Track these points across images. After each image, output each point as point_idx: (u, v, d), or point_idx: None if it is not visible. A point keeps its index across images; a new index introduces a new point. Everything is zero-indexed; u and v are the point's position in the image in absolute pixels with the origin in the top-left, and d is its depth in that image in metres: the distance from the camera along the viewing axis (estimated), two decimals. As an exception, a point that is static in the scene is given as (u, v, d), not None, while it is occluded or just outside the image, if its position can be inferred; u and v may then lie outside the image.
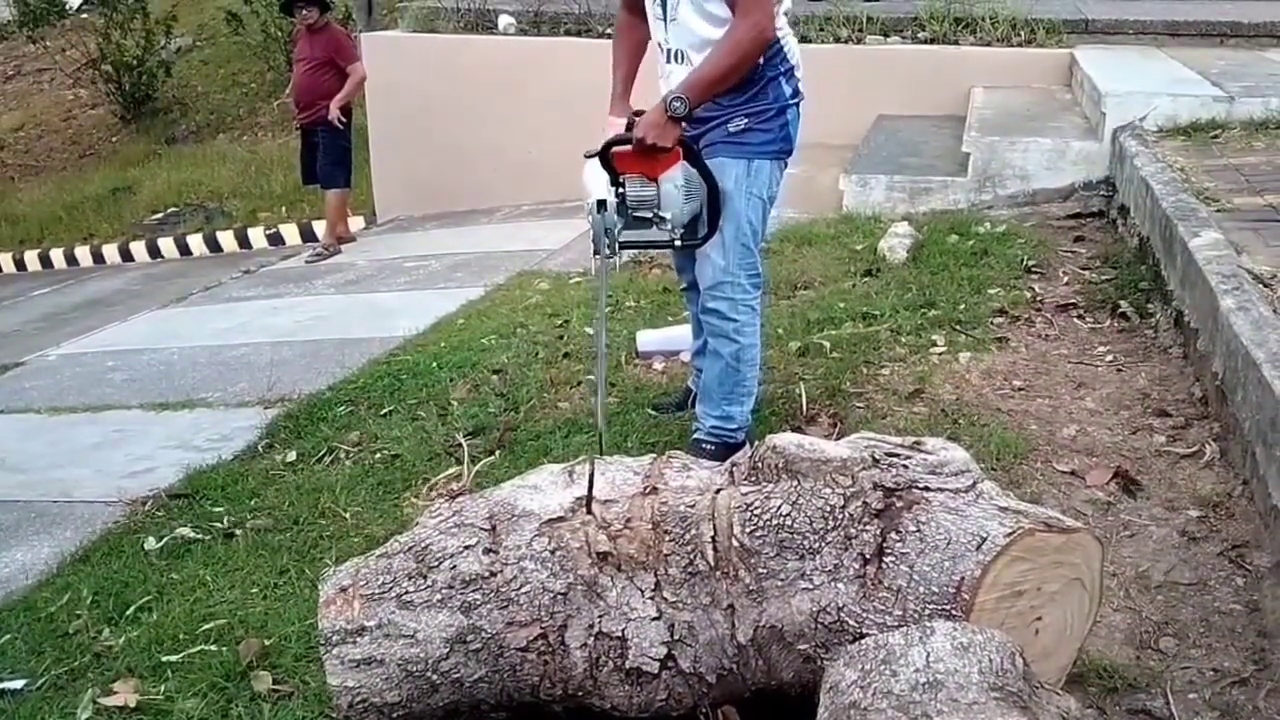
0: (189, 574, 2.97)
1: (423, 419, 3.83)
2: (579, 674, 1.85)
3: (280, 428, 3.99)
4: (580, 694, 1.87)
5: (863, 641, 1.63)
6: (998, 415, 3.30)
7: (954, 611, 1.69)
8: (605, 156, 2.67)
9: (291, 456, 3.71)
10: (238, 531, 3.19)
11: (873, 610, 1.75)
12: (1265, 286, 3.12)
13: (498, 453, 3.42)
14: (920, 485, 1.82)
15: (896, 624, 1.73)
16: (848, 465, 1.85)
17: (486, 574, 1.86)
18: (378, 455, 3.59)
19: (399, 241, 7.68)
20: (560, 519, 1.92)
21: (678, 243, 2.80)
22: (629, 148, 2.67)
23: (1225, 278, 3.12)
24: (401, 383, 4.22)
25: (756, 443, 2.00)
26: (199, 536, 3.20)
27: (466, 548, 1.89)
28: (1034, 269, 4.47)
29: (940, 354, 3.76)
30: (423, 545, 1.91)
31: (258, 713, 2.31)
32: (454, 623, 1.83)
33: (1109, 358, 3.68)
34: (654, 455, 2.11)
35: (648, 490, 1.98)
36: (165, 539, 3.19)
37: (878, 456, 1.87)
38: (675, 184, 2.70)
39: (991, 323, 3.99)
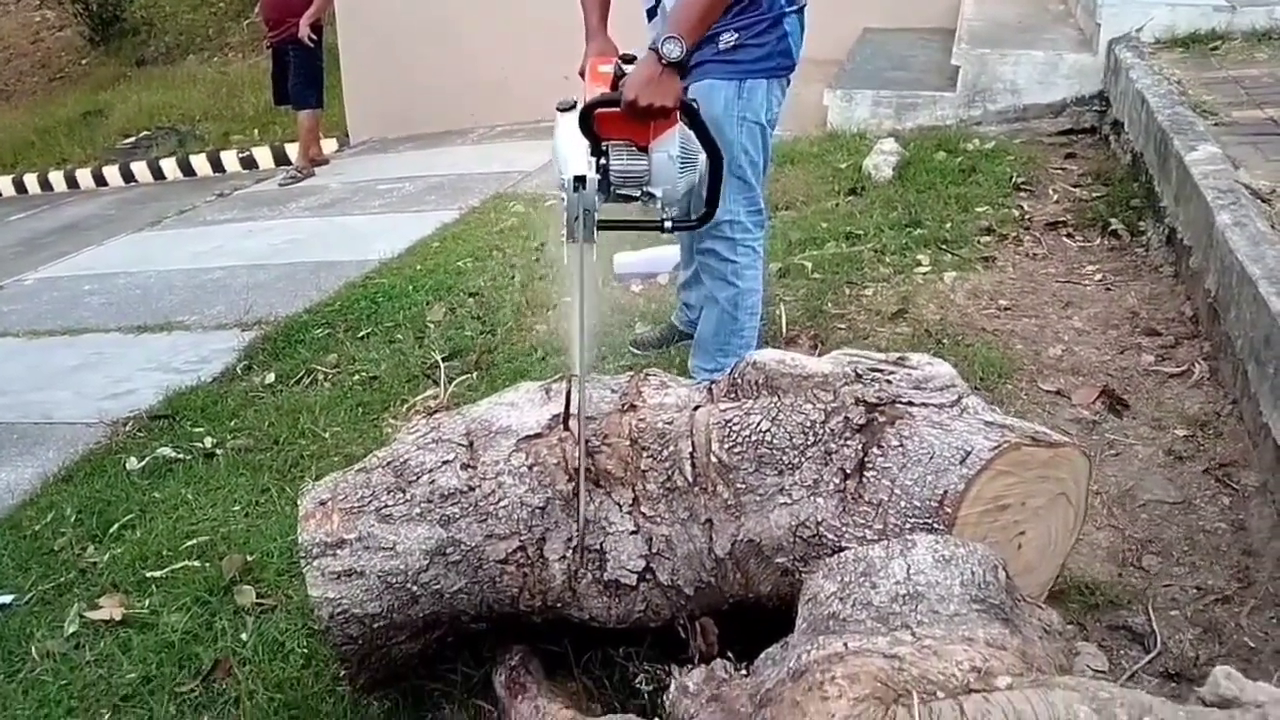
0: (171, 493, 2.97)
1: (400, 341, 3.78)
2: (558, 586, 1.82)
3: (258, 350, 3.95)
4: (559, 605, 1.85)
5: (842, 554, 1.60)
6: (982, 335, 3.26)
7: (936, 525, 1.66)
8: (586, 121, 2.05)
9: (270, 378, 3.67)
10: (218, 451, 3.18)
11: (852, 524, 1.72)
12: (1263, 202, 3.06)
13: (474, 374, 3.37)
14: (904, 400, 1.78)
15: (876, 538, 1.69)
16: (829, 380, 1.80)
17: (465, 489, 1.82)
18: (355, 377, 3.55)
19: (373, 164, 7.55)
20: (537, 435, 1.88)
21: (667, 224, 2.20)
22: (616, 109, 2.06)
23: (1222, 193, 3.06)
24: (378, 305, 4.17)
25: (737, 360, 1.95)
26: (180, 456, 3.19)
27: (444, 463, 1.85)
28: (1023, 186, 4.40)
29: (925, 274, 3.71)
30: (401, 460, 1.86)
31: (241, 625, 2.32)
32: (433, 536, 1.79)
33: (1098, 276, 3.63)
34: (632, 373, 2.06)
35: (625, 408, 1.93)
36: (147, 459, 3.19)
37: (860, 372, 1.82)
38: (670, 153, 2.12)
39: (978, 242, 3.93)
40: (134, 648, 2.29)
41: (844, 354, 1.96)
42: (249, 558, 2.54)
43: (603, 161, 2.07)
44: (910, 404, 1.78)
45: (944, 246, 3.89)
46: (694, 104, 2.14)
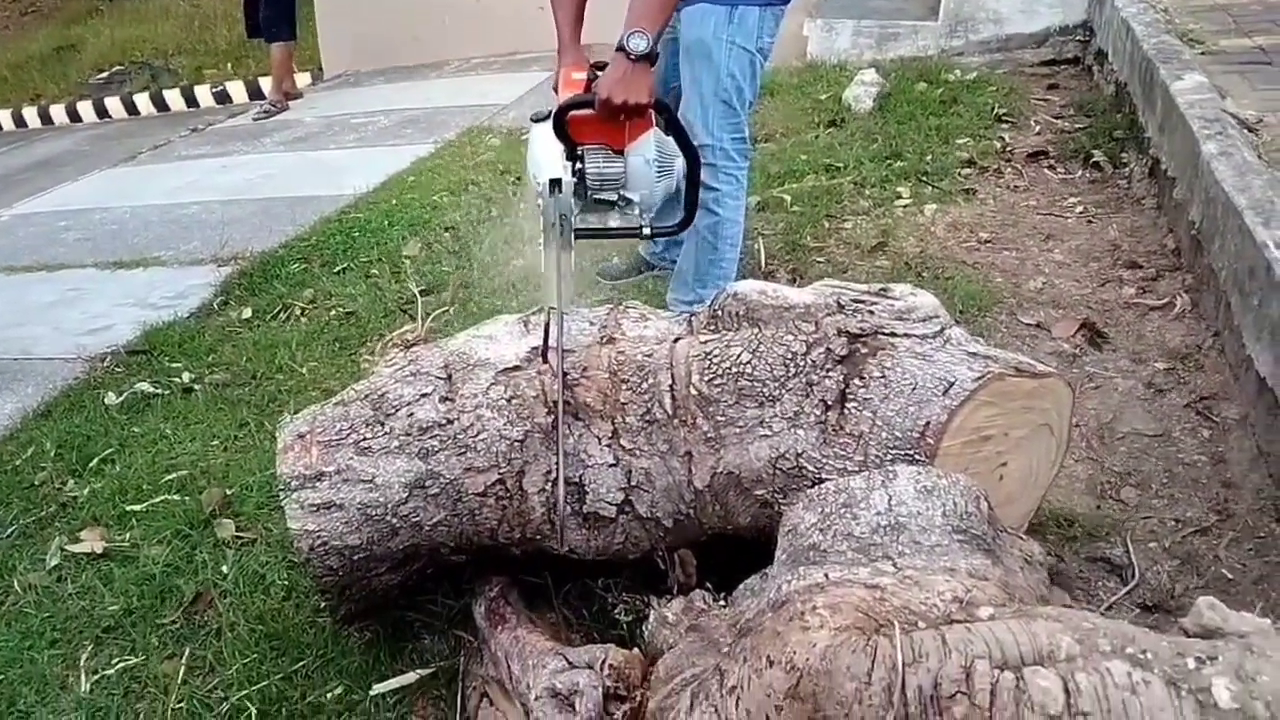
0: (150, 428, 2.95)
1: (376, 276, 3.75)
2: (537, 518, 1.82)
3: (235, 285, 3.92)
4: (539, 537, 1.85)
5: (822, 485, 1.59)
6: (962, 268, 3.25)
7: (918, 456, 1.66)
8: (560, 123, 2.04)
9: (247, 313, 3.64)
10: (196, 387, 3.17)
11: (833, 456, 1.71)
12: (1250, 131, 3.03)
13: (451, 309, 3.34)
14: (886, 331, 1.76)
15: (858, 470, 1.69)
16: (811, 311, 1.79)
17: (443, 421, 1.80)
18: (332, 312, 3.53)
19: (347, 98, 7.42)
20: (516, 368, 1.86)
21: (646, 230, 2.17)
22: (590, 111, 2.06)
23: (1208, 122, 3.03)
24: (354, 240, 4.12)
25: (717, 291, 1.93)
26: (158, 391, 3.18)
27: (423, 395, 1.83)
28: (1005, 118, 4.36)
29: (905, 206, 3.69)
30: (379, 393, 1.84)
31: (221, 558, 2.32)
32: (412, 468, 1.78)
33: (1079, 209, 3.61)
34: (610, 305, 2.03)
35: (604, 340, 1.91)
36: (125, 394, 3.17)
37: (843, 303, 1.81)
38: (646, 157, 2.10)
39: (959, 174, 3.91)
40: (115, 580, 2.29)
41: (825, 285, 1.94)
42: (228, 492, 2.53)
43: (578, 166, 2.07)
44: (893, 334, 1.76)
45: (924, 179, 3.87)
46: (667, 103, 2.14)
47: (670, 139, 2.19)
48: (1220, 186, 2.71)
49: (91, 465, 2.79)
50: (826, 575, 1.43)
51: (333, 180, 5.09)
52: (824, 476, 1.71)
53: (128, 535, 2.44)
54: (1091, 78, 4.79)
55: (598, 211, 2.18)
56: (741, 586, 1.72)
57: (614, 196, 2.13)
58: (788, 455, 1.74)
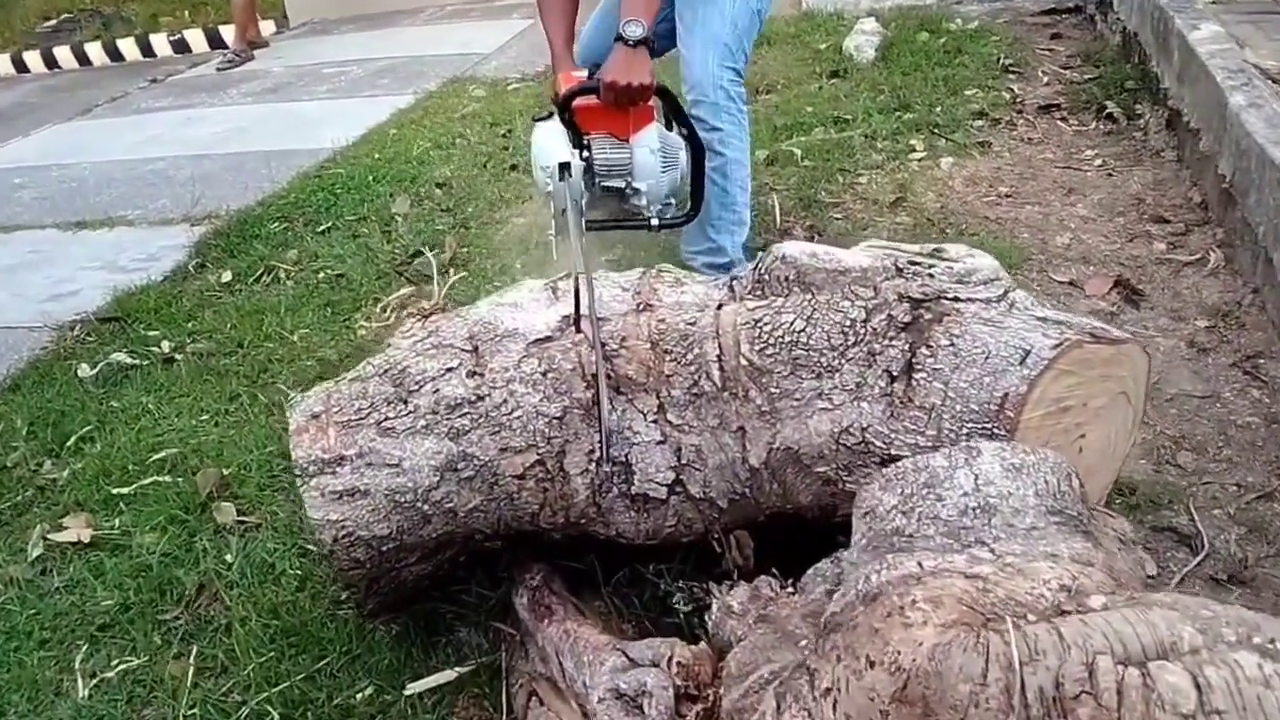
0: (130, 402, 2.77)
1: (365, 236, 3.56)
2: (581, 501, 1.68)
3: (210, 246, 3.70)
4: (583, 521, 1.71)
5: (900, 464, 1.46)
6: (986, 224, 3.12)
7: (996, 430, 1.53)
8: (566, 112, 2.11)
9: (227, 277, 3.44)
10: (178, 356, 2.98)
11: (902, 430, 1.58)
12: (1274, 82, 2.91)
13: (450, 271, 3.18)
14: (949, 295, 1.63)
15: (930, 445, 1.56)
16: (868, 275, 1.65)
17: (473, 398, 1.65)
18: (320, 275, 3.34)
19: (315, 46, 7.15)
20: (548, 339, 1.71)
21: (654, 222, 2.24)
22: (594, 99, 2.12)
23: (1232, 73, 2.91)
24: (337, 197, 3.93)
25: (761, 253, 1.78)
26: (136, 362, 2.98)
27: (448, 370, 1.67)
28: (1011, 69, 4.23)
29: (920, 159, 3.55)
30: (399, 368, 1.69)
31: (223, 546, 2.16)
32: (442, 450, 1.63)
33: (1098, 161, 3.49)
34: (642, 270, 1.89)
35: (641, 307, 1.77)
36: (100, 365, 2.98)
37: (901, 265, 1.66)
38: (650, 148, 2.19)
39: (971, 126, 3.77)
40: (107, 572, 2.12)
41: (874, 246, 1.81)
42: (225, 471, 2.36)
43: (585, 154, 2.13)
44: (956, 299, 1.63)
45: (936, 131, 3.73)
46: (667, 87, 2.19)
47: (672, 134, 2.27)
48: (1253, 139, 2.60)
49: (69, 444, 2.61)
50: (920, 565, 1.31)
51: (308, 133, 4.87)
52: (893, 452, 1.59)
53: (116, 521, 2.27)
54: (1094, 27, 4.66)
55: (605, 202, 2.25)
56: (811, 572, 1.60)
57: (622, 184, 2.19)
58: (852, 430, 1.61)
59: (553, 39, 2.50)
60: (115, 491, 2.37)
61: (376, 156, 4.28)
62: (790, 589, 1.62)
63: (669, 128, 2.32)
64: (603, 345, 1.69)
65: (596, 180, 2.16)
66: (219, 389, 2.74)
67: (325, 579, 1.99)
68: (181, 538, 2.19)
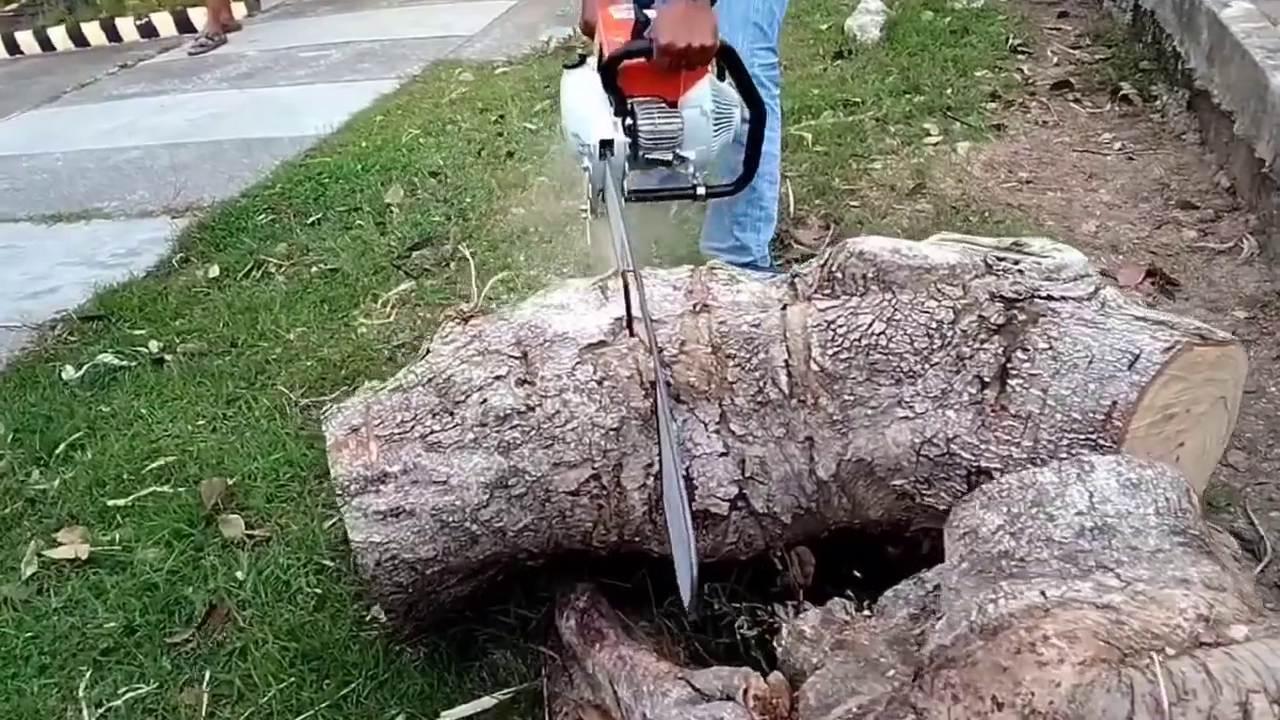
0: (121, 405, 2.60)
1: (358, 228, 3.39)
2: (637, 518, 1.55)
3: (195, 240, 3.53)
4: (638, 539, 1.58)
5: (1002, 480, 1.34)
6: (1009, 211, 3.01)
7: (1101, 441, 1.41)
8: (610, 76, 1.80)
9: (214, 272, 3.26)
10: (168, 357, 2.81)
11: (994, 441, 1.46)
12: (1314, 62, 2.82)
13: (451, 265, 3.02)
14: (1042, 294, 1.51)
15: (1026, 457, 1.45)
16: (957, 273, 1.52)
17: (523, 408, 1.51)
18: (313, 269, 3.18)
19: (290, 29, 6.92)
20: (601, 343, 1.57)
21: (700, 190, 1.93)
22: (642, 60, 1.79)
23: (1271, 52, 2.81)
24: (325, 187, 3.76)
25: (830, 248, 1.65)
26: (123, 363, 2.81)
27: (496, 378, 1.53)
28: (1020, 49, 4.12)
29: (935, 144, 3.43)
30: (444, 377, 1.54)
31: (233, 562, 2.00)
32: (492, 465, 1.49)
33: (1117, 145, 3.39)
34: (691, 267, 1.75)
35: (698, 308, 1.63)
36: (85, 367, 2.80)
37: (990, 261, 1.54)
38: (703, 108, 1.87)
39: (984, 108, 3.67)
40: (108, 591, 1.96)
41: (945, 239, 1.69)
42: (229, 481, 2.20)
43: (629, 122, 1.82)
44: (1050, 298, 1.51)
45: (950, 114, 3.61)
46: (731, 45, 1.86)
47: (725, 86, 1.95)
48: (1297, 120, 2.50)
49: (58, 452, 2.43)
50: (1044, 594, 1.19)
51: (289, 120, 4.68)
52: (982, 465, 1.47)
53: (115, 535, 2.10)
54: (1101, 5, 4.56)
55: (646, 171, 1.94)
56: (890, 594, 1.48)
57: (669, 155, 1.88)
58: (936, 440, 1.49)
59: None
60: (111, 503, 2.21)
61: (364, 144, 4.10)
62: (866, 612, 1.51)
63: (720, 78, 1.99)
64: (660, 350, 1.55)
65: (641, 153, 1.86)
66: (214, 391, 2.58)
67: (345, 597, 1.85)
68: (187, 553, 2.03)
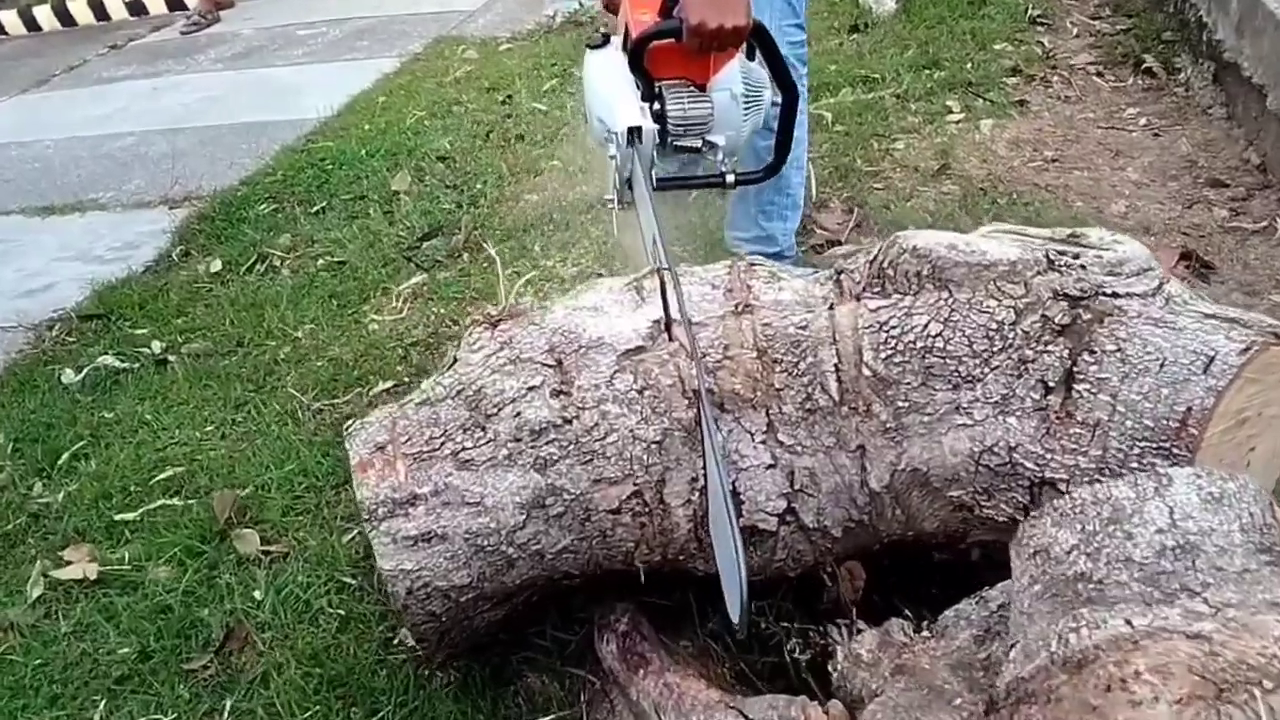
0: (124, 411, 2.50)
1: (365, 217, 3.30)
2: (682, 536, 1.46)
3: (195, 231, 3.43)
4: (682, 558, 1.50)
5: (1074, 495, 1.26)
6: (1037, 192, 2.92)
7: (1175, 450, 1.33)
8: (638, 58, 1.71)
9: (216, 266, 3.16)
10: (171, 358, 2.71)
11: (1059, 450, 1.38)
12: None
13: (464, 255, 2.93)
14: (1107, 291, 1.42)
15: (1094, 467, 1.37)
16: (1018, 270, 1.44)
17: (559, 421, 1.43)
18: (319, 262, 3.08)
19: (284, 6, 6.72)
20: (640, 349, 1.48)
21: (730, 177, 1.83)
22: (671, 41, 1.69)
23: (1308, 23, 2.72)
24: (329, 174, 3.66)
25: (881, 242, 1.56)
26: (126, 365, 2.72)
27: (530, 389, 1.45)
28: (1039, 20, 4.01)
29: (958, 122, 3.34)
30: (474, 388, 1.46)
31: (250, 580, 1.91)
32: (528, 483, 1.41)
33: (1142, 121, 3.30)
34: (729, 263, 1.66)
35: (740, 309, 1.54)
36: (85, 370, 2.70)
37: (1052, 257, 1.45)
38: (732, 91, 1.79)
39: (1005, 84, 3.56)
40: (120, 614, 1.87)
41: (996, 231, 1.60)
42: (241, 493, 2.11)
43: (656, 107, 1.74)
44: (1115, 295, 1.42)
45: (971, 90, 3.51)
46: (764, 25, 1.74)
47: (754, 66, 1.85)
48: (1338, 95, 2.41)
49: (60, 463, 2.34)
50: (1130, 623, 1.11)
51: (288, 102, 4.56)
52: (1048, 476, 1.39)
53: (124, 553, 2.01)
54: (1119, -27, 4.44)
55: (673, 158, 1.84)
56: (951, 614, 1.40)
57: (698, 142, 1.79)
58: (997, 449, 1.41)
59: None
60: (119, 518, 2.12)
61: (367, 127, 3.99)
62: (925, 632, 1.43)
63: (750, 57, 1.87)
64: (703, 355, 1.47)
65: (669, 139, 1.77)
66: (222, 395, 2.49)
67: (370, 617, 1.77)
68: (201, 571, 1.94)
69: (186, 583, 1.90)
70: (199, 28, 6.36)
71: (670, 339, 1.50)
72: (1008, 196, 2.88)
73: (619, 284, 1.62)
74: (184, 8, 7.05)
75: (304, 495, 2.09)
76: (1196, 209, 2.82)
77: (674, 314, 1.50)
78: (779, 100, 1.91)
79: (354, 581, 1.83)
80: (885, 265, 1.52)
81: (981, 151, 3.14)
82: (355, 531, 1.94)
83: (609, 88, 1.78)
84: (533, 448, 1.42)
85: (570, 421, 1.43)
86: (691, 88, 1.76)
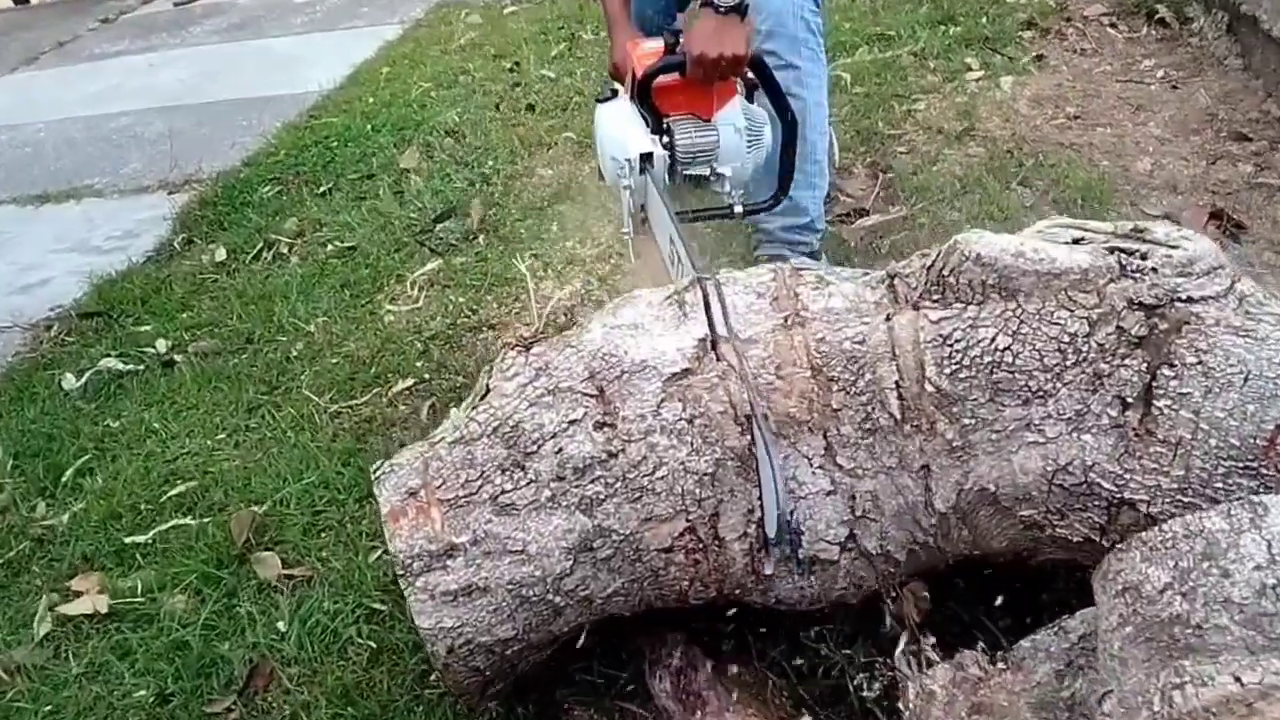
0: (130, 419, 2.40)
1: (373, 198, 3.19)
2: (738, 570, 1.39)
3: (197, 218, 3.32)
4: (739, 592, 1.42)
5: (1165, 528, 1.18)
6: (1062, 152, 2.82)
7: (1264, 470, 1.26)
8: (646, 92, 1.87)
9: (220, 254, 3.06)
10: (178, 358, 2.61)
11: (1139, 470, 1.30)
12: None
13: (481, 238, 2.83)
14: (1182, 296, 1.33)
15: (1176, 487, 1.29)
16: (1089, 278, 1.34)
17: (604, 456, 1.35)
18: (329, 248, 2.98)
19: (280, -30, 6.57)
20: (686, 372, 1.40)
21: (738, 209, 1.96)
22: (676, 76, 1.87)
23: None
24: (334, 152, 3.54)
25: (941, 246, 1.47)
26: (129, 367, 2.61)
27: (571, 423, 1.36)
28: (1050, -31, 3.88)
29: (978, 80, 3.23)
30: (510, 424, 1.37)
31: (272, 609, 1.81)
32: (574, 526, 1.33)
33: (1159, 73, 3.19)
34: (771, 266, 1.57)
35: (789, 321, 1.45)
36: (87, 374, 2.59)
37: (1124, 262, 1.36)
38: (735, 125, 1.93)
39: (1022, 38, 3.47)
40: (134, 651, 1.76)
41: (1054, 225, 1.51)
42: (258, 510, 2.01)
43: (665, 140, 1.89)
44: (1190, 300, 1.34)
45: (988, 46, 3.39)
46: (762, 59, 1.92)
47: (754, 107, 2.01)
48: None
49: (64, 479, 2.23)
50: (1240, 680, 1.03)
51: (288, 75, 4.43)
52: (1126, 496, 1.31)
53: (135, 581, 1.90)
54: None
55: (682, 191, 2.02)
56: (1029, 645, 1.33)
57: (706, 170, 1.94)
58: (1071, 468, 1.33)
59: (608, 3, 2.31)
60: (129, 540, 2.01)
61: (371, 100, 3.87)
62: (1002, 665, 1.36)
63: (749, 99, 2.02)
64: (754, 376, 1.38)
65: (679, 168, 1.90)
66: (233, 398, 2.39)
67: (402, 648, 1.68)
68: (219, 601, 1.84)
69: (205, 614, 1.81)
70: (192, -1, 6.19)
71: (718, 359, 1.42)
72: (1033, 158, 2.78)
73: (658, 297, 1.53)
74: (177, -24, 6.86)
75: (325, 510, 2.01)
76: (1221, 164, 2.73)
77: (719, 329, 1.42)
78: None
79: (384, 608, 1.75)
80: (945, 272, 1.42)
81: (1004, 110, 3.03)
82: (382, 550, 1.86)
83: (619, 128, 1.90)
84: (577, 487, 1.34)
85: (615, 456, 1.35)
86: (697, 120, 1.90)
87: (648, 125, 1.90)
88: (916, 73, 3.27)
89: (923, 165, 2.81)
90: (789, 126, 1.99)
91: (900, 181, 2.76)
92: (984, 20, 3.55)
